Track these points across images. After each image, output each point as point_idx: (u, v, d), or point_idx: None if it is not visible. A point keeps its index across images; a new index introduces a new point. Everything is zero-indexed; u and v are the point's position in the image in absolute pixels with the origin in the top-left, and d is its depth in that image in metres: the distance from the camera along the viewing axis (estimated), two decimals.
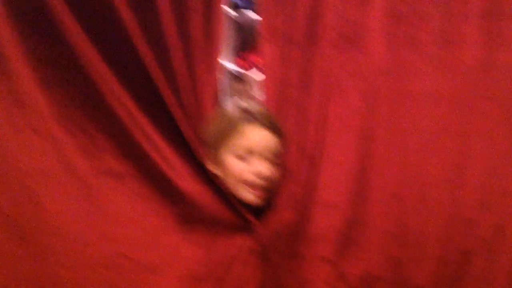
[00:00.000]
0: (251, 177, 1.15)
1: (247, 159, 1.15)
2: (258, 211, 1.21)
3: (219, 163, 1.19)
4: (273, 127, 1.17)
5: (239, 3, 2.43)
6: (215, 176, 1.20)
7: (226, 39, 2.36)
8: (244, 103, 1.22)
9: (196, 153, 1.20)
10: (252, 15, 2.43)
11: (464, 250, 1.21)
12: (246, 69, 2.46)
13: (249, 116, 1.16)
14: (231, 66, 2.45)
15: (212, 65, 1.28)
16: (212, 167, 1.20)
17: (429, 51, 1.26)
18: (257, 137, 1.15)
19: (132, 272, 1.16)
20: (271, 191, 1.20)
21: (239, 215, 1.20)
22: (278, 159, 1.18)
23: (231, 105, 1.23)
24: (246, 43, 2.50)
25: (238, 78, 2.52)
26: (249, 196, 1.17)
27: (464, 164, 1.23)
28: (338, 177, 1.26)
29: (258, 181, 1.15)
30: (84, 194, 1.19)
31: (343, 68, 1.27)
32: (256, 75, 2.43)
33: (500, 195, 1.21)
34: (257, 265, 1.20)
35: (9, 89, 1.18)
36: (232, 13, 2.37)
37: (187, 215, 1.21)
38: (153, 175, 1.20)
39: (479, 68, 1.24)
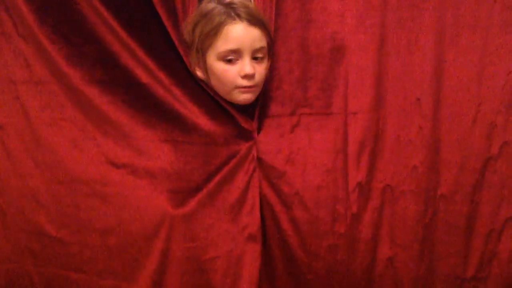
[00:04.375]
0: (240, 80, 1.10)
1: (234, 60, 1.09)
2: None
3: (207, 67, 1.12)
4: (257, 21, 1.09)
5: None
6: (204, 82, 1.15)
7: None
8: None
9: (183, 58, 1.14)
10: None
11: (487, 156, 1.16)
12: None
13: (231, 11, 1.08)
14: None
15: None
16: (199, 73, 1.14)
17: None
18: (241, 36, 1.07)
19: (129, 187, 1.13)
20: (260, 86, 1.14)
21: (236, 125, 1.16)
22: (264, 53, 1.11)
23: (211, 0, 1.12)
24: None
25: None
26: (241, 97, 1.12)
27: (486, 61, 1.14)
28: (359, 82, 1.17)
29: (247, 82, 1.10)
30: (77, 102, 1.14)
31: None
32: None
33: None
34: (258, 173, 1.16)
35: None
36: None
37: (179, 127, 1.15)
38: (143, 87, 1.14)
39: None
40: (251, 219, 1.14)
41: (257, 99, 1.15)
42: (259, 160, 1.16)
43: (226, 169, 1.14)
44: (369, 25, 1.14)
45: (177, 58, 1.14)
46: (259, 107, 1.16)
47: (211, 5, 1.10)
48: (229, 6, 1.08)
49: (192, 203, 1.11)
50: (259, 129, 1.17)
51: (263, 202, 1.16)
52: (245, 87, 1.10)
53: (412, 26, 1.14)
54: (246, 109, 1.16)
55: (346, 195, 1.17)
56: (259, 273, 1.15)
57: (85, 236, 1.12)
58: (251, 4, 1.13)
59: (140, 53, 1.12)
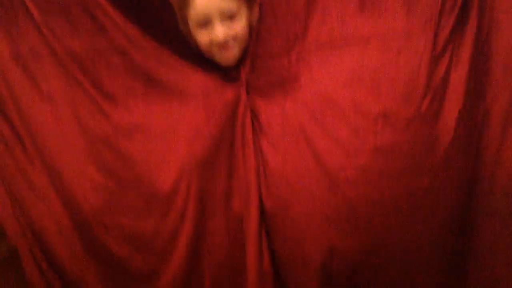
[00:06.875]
0: (215, 44, 1.17)
1: (207, 25, 1.15)
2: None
3: (189, 31, 1.20)
4: None
5: None
6: (192, 43, 1.22)
7: None
8: None
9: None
10: None
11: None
12: None
13: None
14: None
15: None
16: (187, 35, 1.22)
17: None
18: (205, 2, 1.12)
19: (144, 141, 1.22)
20: (241, 47, 1.22)
21: (224, 72, 1.24)
22: (236, 11, 1.16)
23: None
24: None
25: None
26: (223, 55, 1.20)
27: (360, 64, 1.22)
28: None
29: (220, 46, 1.17)
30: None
31: None
32: None
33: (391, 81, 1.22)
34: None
35: None
36: None
37: (177, 82, 1.23)
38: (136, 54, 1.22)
39: None
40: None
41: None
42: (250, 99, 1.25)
43: (224, 114, 1.24)
44: None
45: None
46: (250, 51, 1.23)
47: None
48: None
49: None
50: (252, 72, 1.24)
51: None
52: (221, 48, 1.17)
53: None
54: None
55: None
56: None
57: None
58: None
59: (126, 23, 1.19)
